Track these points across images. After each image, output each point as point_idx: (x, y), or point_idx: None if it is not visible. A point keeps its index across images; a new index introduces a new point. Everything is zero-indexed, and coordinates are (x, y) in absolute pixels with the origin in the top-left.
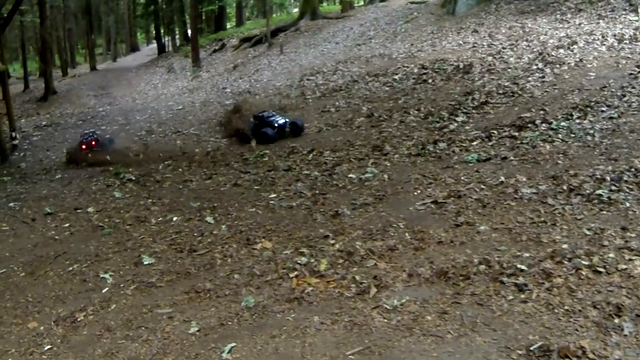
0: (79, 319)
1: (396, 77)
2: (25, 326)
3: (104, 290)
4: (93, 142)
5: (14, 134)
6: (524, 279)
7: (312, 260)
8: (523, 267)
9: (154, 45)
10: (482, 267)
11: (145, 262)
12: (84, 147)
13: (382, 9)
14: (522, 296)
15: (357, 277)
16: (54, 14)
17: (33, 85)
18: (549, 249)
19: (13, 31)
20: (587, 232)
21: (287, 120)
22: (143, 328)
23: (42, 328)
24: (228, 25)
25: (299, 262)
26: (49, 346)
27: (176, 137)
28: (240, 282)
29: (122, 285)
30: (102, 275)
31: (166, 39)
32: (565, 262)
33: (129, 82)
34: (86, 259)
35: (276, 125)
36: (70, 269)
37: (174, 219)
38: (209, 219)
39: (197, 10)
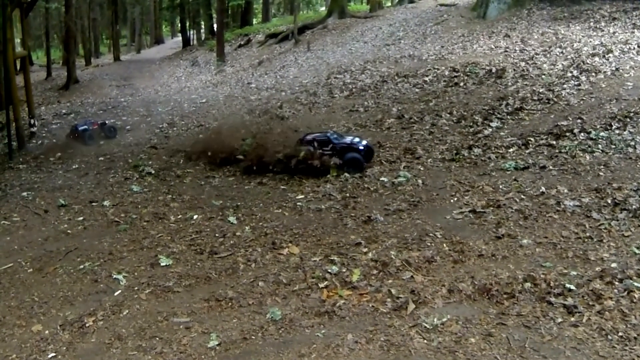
0: (87, 324)
1: (426, 78)
2: (29, 329)
3: (116, 293)
4: (95, 125)
5: (32, 121)
6: (573, 300)
7: (344, 270)
8: (571, 287)
9: (179, 38)
10: (528, 284)
11: (162, 264)
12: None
13: (411, 10)
14: (572, 319)
15: (393, 291)
16: (79, 2)
17: (56, 73)
18: (597, 268)
19: (38, 18)
20: (637, 251)
21: (363, 140)
22: (157, 338)
23: (47, 332)
24: (254, 21)
25: (329, 271)
26: (53, 354)
27: (199, 131)
28: (265, 291)
29: (136, 288)
30: (115, 276)
31: (191, 32)
32: (616, 283)
33: (152, 74)
34: (99, 256)
35: (361, 147)
36: (82, 267)
37: (195, 217)
38: (232, 218)
39: (224, 4)
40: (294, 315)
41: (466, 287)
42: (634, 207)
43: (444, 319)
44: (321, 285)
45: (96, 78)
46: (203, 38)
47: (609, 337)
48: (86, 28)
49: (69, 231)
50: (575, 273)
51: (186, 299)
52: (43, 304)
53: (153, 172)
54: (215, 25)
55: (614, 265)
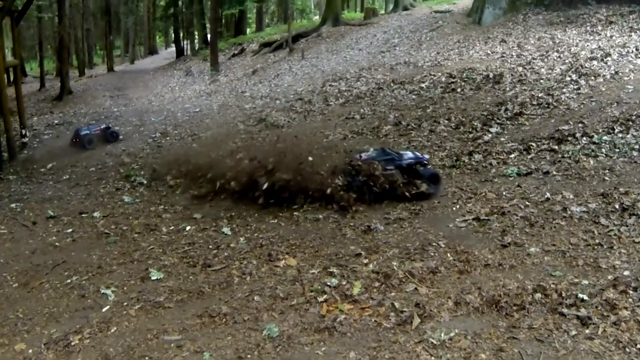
0: (73, 343)
1: (423, 85)
2: (11, 347)
3: (104, 309)
4: (98, 131)
5: (24, 132)
6: (587, 311)
7: (344, 282)
8: (584, 297)
9: (173, 48)
10: (538, 295)
11: (153, 277)
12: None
13: (405, 17)
14: (587, 331)
15: (397, 304)
16: (73, 13)
17: (49, 84)
18: (609, 276)
19: (32, 29)
20: None
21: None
22: (147, 358)
23: (30, 351)
24: (248, 30)
25: (328, 283)
26: None
27: (192, 141)
28: (261, 306)
29: (125, 303)
30: (103, 291)
31: (185, 42)
32: (630, 292)
33: (146, 84)
34: (87, 270)
35: (425, 162)
36: (69, 281)
37: (187, 228)
38: (226, 229)
39: (218, 13)
40: (292, 331)
41: (473, 299)
42: None
43: (452, 334)
44: (320, 299)
45: (90, 89)
46: (197, 48)
47: (627, 349)
48: (80, 39)
49: (57, 244)
50: (587, 282)
51: (178, 315)
52: (27, 320)
53: (145, 182)
54: (209, 35)
55: (626, 273)
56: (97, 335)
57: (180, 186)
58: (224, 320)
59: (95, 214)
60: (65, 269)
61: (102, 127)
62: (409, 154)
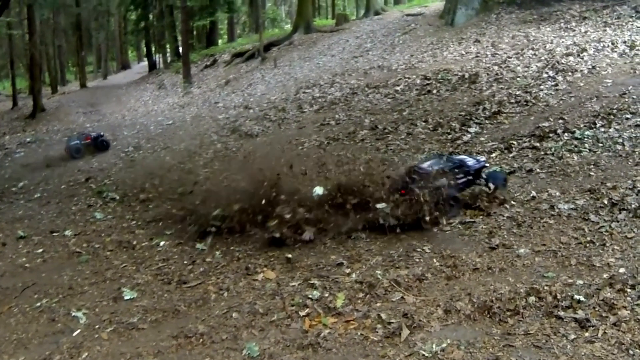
0: None
1: (398, 88)
2: None
3: (75, 333)
4: (88, 140)
5: None
6: (584, 313)
7: (326, 294)
8: (580, 298)
9: (145, 62)
10: (532, 298)
11: (126, 297)
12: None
13: (377, 21)
14: (587, 334)
15: (383, 315)
16: (44, 29)
17: (22, 102)
18: (604, 275)
19: (3, 47)
20: None
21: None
22: None
23: None
24: (220, 41)
25: (309, 296)
26: None
27: (165, 153)
28: (239, 323)
29: (97, 326)
30: (74, 314)
31: (157, 56)
32: (628, 290)
33: (119, 99)
34: (58, 292)
35: (486, 165)
36: (39, 304)
37: (161, 243)
38: (200, 245)
39: (188, 25)
40: (274, 349)
41: (464, 305)
42: (632, 206)
43: (444, 345)
44: (302, 313)
45: (63, 105)
46: (169, 61)
47: (630, 351)
48: (51, 55)
49: (27, 265)
50: (581, 282)
51: (152, 336)
52: None
53: (117, 197)
54: (180, 48)
55: (622, 270)
56: None
57: (154, 200)
58: (201, 340)
59: (67, 233)
60: (35, 291)
61: (92, 135)
62: (468, 159)
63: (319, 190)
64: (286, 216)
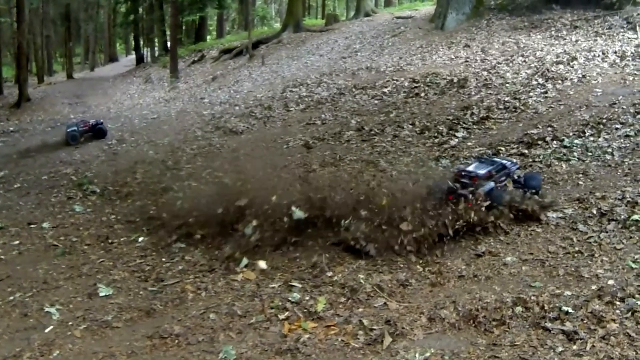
0: None
1: (386, 90)
2: None
3: (47, 330)
4: (86, 127)
5: None
6: (572, 325)
7: (307, 298)
8: (568, 309)
9: (133, 56)
10: (519, 308)
11: (102, 294)
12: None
13: (367, 23)
14: (575, 347)
15: (365, 322)
16: (32, 18)
17: (8, 91)
18: (593, 286)
19: None
20: (633, 265)
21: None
22: None
23: None
24: (208, 37)
25: (289, 299)
26: None
27: (149, 147)
28: (217, 325)
29: (70, 323)
30: (47, 309)
31: (145, 49)
32: (617, 303)
33: (105, 91)
34: (32, 286)
35: (518, 168)
36: (11, 298)
37: (140, 239)
38: (178, 244)
39: (178, 20)
40: (251, 353)
41: (449, 314)
42: (622, 217)
43: (427, 354)
44: (281, 316)
45: (48, 96)
46: (157, 55)
47: None
48: (39, 45)
49: (2, 257)
50: (569, 293)
51: (126, 336)
52: None
53: (98, 190)
54: (169, 42)
55: (611, 282)
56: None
57: (135, 195)
58: (177, 341)
59: (45, 225)
60: (9, 284)
61: (91, 123)
62: (503, 160)
63: (298, 212)
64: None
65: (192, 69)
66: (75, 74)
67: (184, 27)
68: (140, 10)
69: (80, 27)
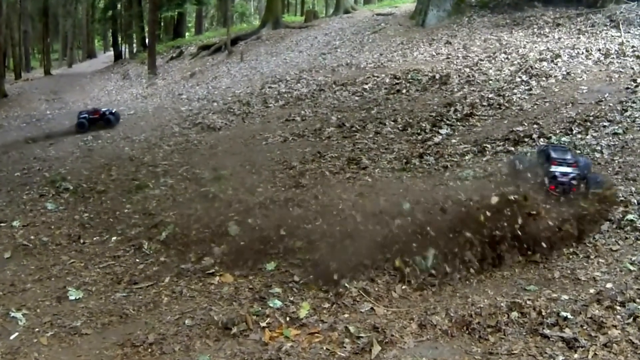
0: None
1: (366, 86)
2: None
3: (12, 337)
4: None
5: None
6: (572, 331)
7: (288, 303)
8: (567, 315)
9: (111, 52)
10: (514, 314)
11: (71, 297)
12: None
13: (347, 19)
14: (576, 356)
15: (351, 329)
16: (10, 13)
17: None
18: (591, 290)
19: None
20: (631, 267)
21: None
22: None
23: None
24: (187, 34)
25: (270, 304)
26: None
27: (124, 144)
28: (193, 333)
29: (37, 329)
30: (13, 314)
31: (123, 45)
32: (617, 308)
33: (83, 87)
34: None
35: None
36: None
37: (113, 239)
38: (152, 244)
39: (156, 16)
40: None
41: (440, 320)
42: (617, 217)
43: None
44: (262, 323)
45: (25, 92)
46: (135, 51)
47: None
48: (17, 41)
49: None
50: (567, 297)
51: (96, 343)
52: None
53: (71, 187)
54: (147, 38)
55: (609, 285)
56: None
57: (109, 192)
58: (150, 350)
59: (15, 223)
60: None
61: (102, 111)
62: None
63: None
64: None
65: (171, 65)
66: (53, 70)
67: (162, 23)
68: (119, 6)
69: (58, 22)
